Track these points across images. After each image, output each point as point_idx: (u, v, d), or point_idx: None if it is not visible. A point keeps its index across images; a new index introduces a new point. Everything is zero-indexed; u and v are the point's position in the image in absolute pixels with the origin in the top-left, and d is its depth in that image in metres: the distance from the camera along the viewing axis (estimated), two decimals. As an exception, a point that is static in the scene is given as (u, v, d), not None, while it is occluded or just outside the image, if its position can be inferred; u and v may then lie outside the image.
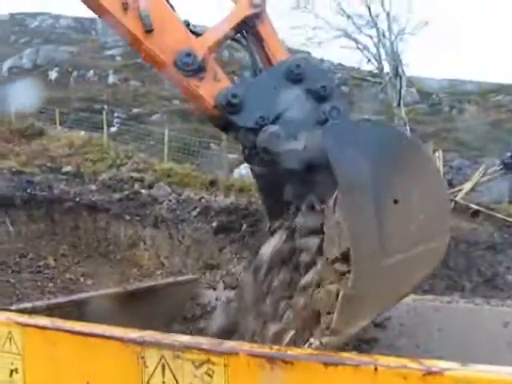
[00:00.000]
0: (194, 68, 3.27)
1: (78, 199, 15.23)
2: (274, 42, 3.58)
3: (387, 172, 2.91)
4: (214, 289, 4.63)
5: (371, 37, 25.70)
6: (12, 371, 2.50)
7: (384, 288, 2.92)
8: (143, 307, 4.03)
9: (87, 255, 14.53)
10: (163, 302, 4.25)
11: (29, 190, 15.08)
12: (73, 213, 14.95)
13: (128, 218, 14.89)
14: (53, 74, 36.61)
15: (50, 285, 13.19)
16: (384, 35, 25.44)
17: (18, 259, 13.76)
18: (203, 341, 2.06)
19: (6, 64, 38.31)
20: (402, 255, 2.92)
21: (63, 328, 2.41)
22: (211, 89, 3.30)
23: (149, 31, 3.21)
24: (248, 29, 3.58)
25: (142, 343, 2.10)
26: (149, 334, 2.16)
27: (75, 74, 36.07)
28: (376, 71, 26.57)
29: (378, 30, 25.45)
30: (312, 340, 2.81)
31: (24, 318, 2.64)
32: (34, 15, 49.73)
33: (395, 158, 2.93)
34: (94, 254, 14.56)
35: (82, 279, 13.81)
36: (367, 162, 2.86)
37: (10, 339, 2.53)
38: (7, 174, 15.72)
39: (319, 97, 3.35)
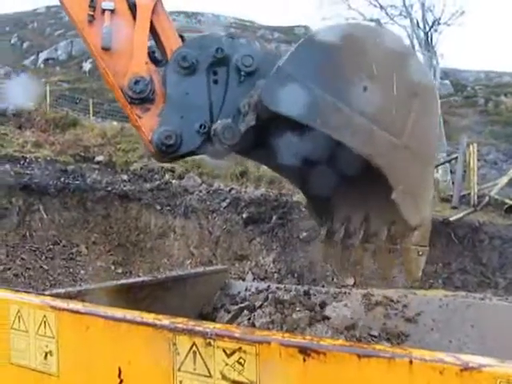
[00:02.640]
0: (142, 97, 3.00)
1: (109, 188, 15.46)
2: (168, 32, 3.20)
3: (336, 77, 2.84)
4: (243, 279, 4.64)
5: (405, 27, 25.28)
6: (47, 354, 2.55)
7: (419, 159, 2.93)
8: (172, 297, 4.04)
9: (118, 244, 14.76)
10: (192, 291, 4.26)
11: (62, 179, 15.38)
12: (105, 202, 15.21)
13: (159, 207, 15.05)
14: (87, 66, 37.18)
15: (82, 272, 13.47)
16: (418, 25, 24.97)
17: (51, 246, 14.08)
18: (235, 329, 2.05)
19: (42, 56, 39.05)
20: (409, 123, 2.90)
21: (96, 313, 2.43)
22: (154, 123, 3.02)
23: (106, 49, 3.02)
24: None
25: (174, 330, 2.10)
26: (181, 321, 2.16)
27: (108, 65, 36.52)
28: (409, 63, 26.06)
29: (411, 20, 25.01)
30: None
31: (58, 303, 2.67)
32: (69, 7, 50.40)
33: (332, 60, 2.83)
34: (124, 243, 14.78)
35: (112, 267, 14.05)
36: (315, 86, 2.79)
37: (45, 323, 2.58)
38: (42, 162, 16.05)
39: (221, 62, 3.08)
